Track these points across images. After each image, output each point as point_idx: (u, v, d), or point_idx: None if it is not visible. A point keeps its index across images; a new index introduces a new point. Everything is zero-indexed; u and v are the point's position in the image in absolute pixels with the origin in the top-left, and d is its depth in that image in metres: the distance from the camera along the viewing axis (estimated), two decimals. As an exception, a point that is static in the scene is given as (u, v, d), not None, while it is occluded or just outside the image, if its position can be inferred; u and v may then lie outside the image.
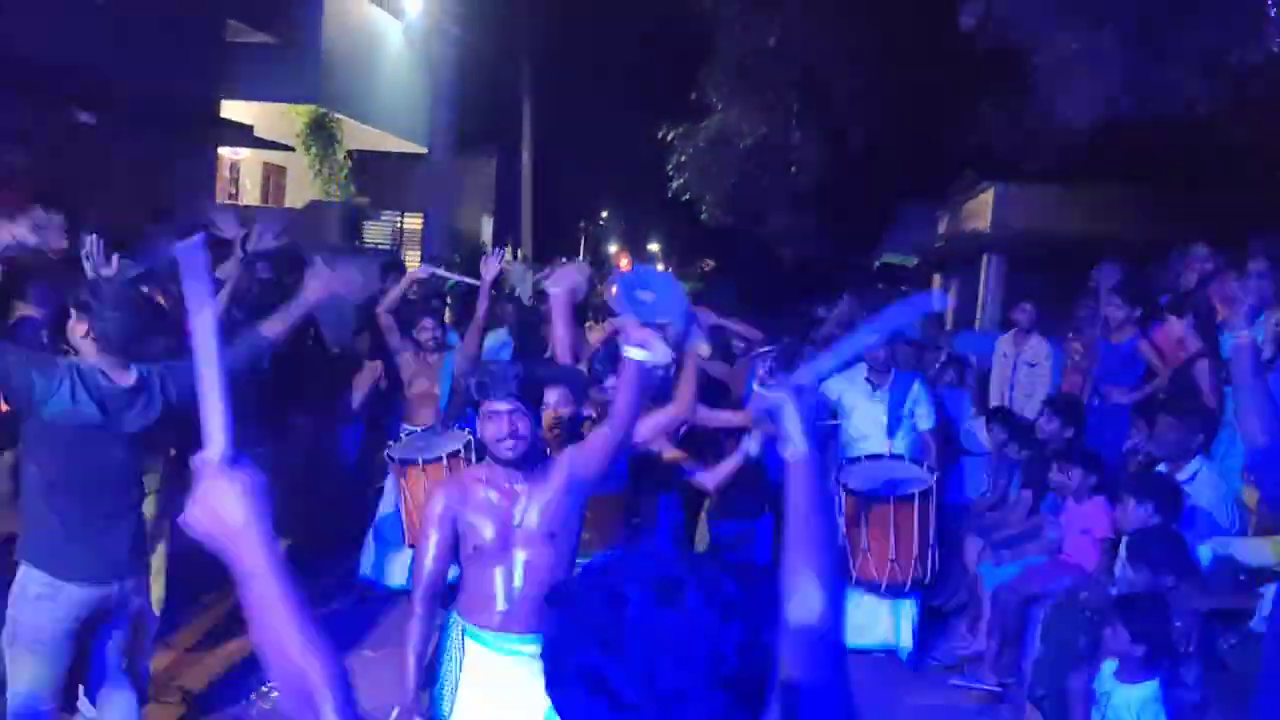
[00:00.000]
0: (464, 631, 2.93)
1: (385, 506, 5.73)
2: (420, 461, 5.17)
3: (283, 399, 5.61)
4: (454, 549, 2.93)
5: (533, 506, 2.88)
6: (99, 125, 8.88)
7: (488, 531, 2.87)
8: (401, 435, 5.76)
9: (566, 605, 1.08)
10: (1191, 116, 6.56)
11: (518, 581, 2.86)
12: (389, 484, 5.72)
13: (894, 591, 5.18)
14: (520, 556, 2.86)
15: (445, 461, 5.15)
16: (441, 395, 5.85)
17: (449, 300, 10.04)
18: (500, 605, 2.86)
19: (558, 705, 1.06)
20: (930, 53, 12.10)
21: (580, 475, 2.91)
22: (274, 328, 3.55)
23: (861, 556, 5.05)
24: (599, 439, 2.93)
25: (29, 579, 3.12)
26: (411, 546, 5.38)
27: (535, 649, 2.67)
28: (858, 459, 5.42)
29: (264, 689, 4.60)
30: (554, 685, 1.06)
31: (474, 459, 5.34)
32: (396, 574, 5.69)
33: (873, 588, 5.14)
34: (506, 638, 2.86)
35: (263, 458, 5.19)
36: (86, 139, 8.72)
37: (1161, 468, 4.80)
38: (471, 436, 5.46)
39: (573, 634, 1.05)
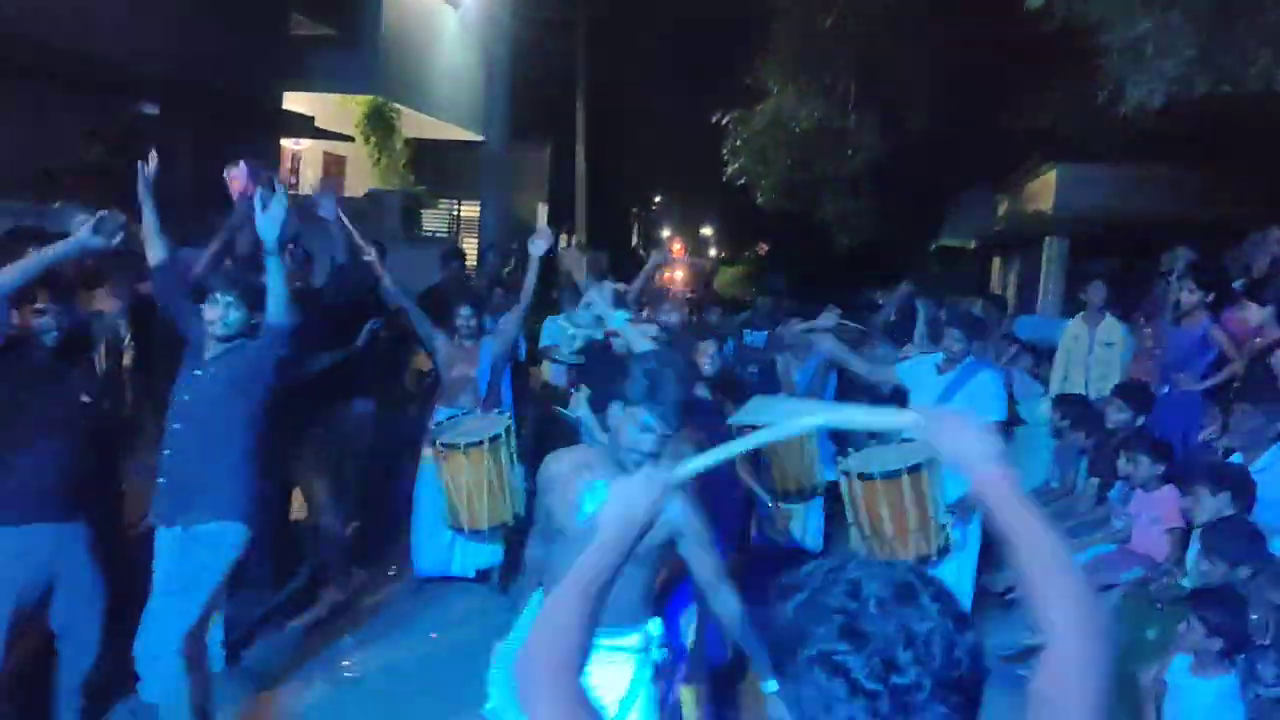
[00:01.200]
0: None
1: (421, 491, 5.76)
2: (462, 446, 5.23)
3: (344, 382, 5.70)
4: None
5: None
6: (164, 118, 9.07)
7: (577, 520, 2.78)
8: (440, 419, 5.82)
9: (806, 595, 1.13)
10: (1266, 95, 6.34)
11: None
12: (426, 472, 5.75)
13: (922, 564, 5.08)
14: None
15: (486, 445, 5.21)
16: (480, 380, 5.90)
17: (507, 287, 10.10)
18: None
19: (787, 692, 1.12)
20: (993, 33, 11.84)
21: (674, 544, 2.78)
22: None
23: (889, 543, 4.95)
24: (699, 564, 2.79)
25: None
26: (456, 530, 5.46)
27: (618, 640, 2.75)
28: (859, 447, 5.32)
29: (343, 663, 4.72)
30: (785, 671, 1.12)
31: (512, 444, 5.40)
32: (439, 563, 5.73)
33: None
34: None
35: (318, 438, 5.33)
36: (152, 132, 8.91)
37: (1237, 456, 4.68)
38: (510, 420, 5.51)
39: (813, 621, 1.10)
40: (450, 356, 5.91)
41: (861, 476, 4.94)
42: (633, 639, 2.81)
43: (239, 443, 3.62)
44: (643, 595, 2.82)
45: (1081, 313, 7.04)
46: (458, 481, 5.29)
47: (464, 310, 5.96)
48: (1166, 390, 5.86)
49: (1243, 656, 3.42)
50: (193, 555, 3.56)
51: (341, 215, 5.74)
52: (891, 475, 4.85)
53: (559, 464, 2.94)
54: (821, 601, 1.11)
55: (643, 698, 2.83)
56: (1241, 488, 4.17)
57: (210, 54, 10.25)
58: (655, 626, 2.90)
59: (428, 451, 5.66)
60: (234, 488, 3.60)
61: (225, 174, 4.77)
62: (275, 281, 3.69)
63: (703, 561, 2.75)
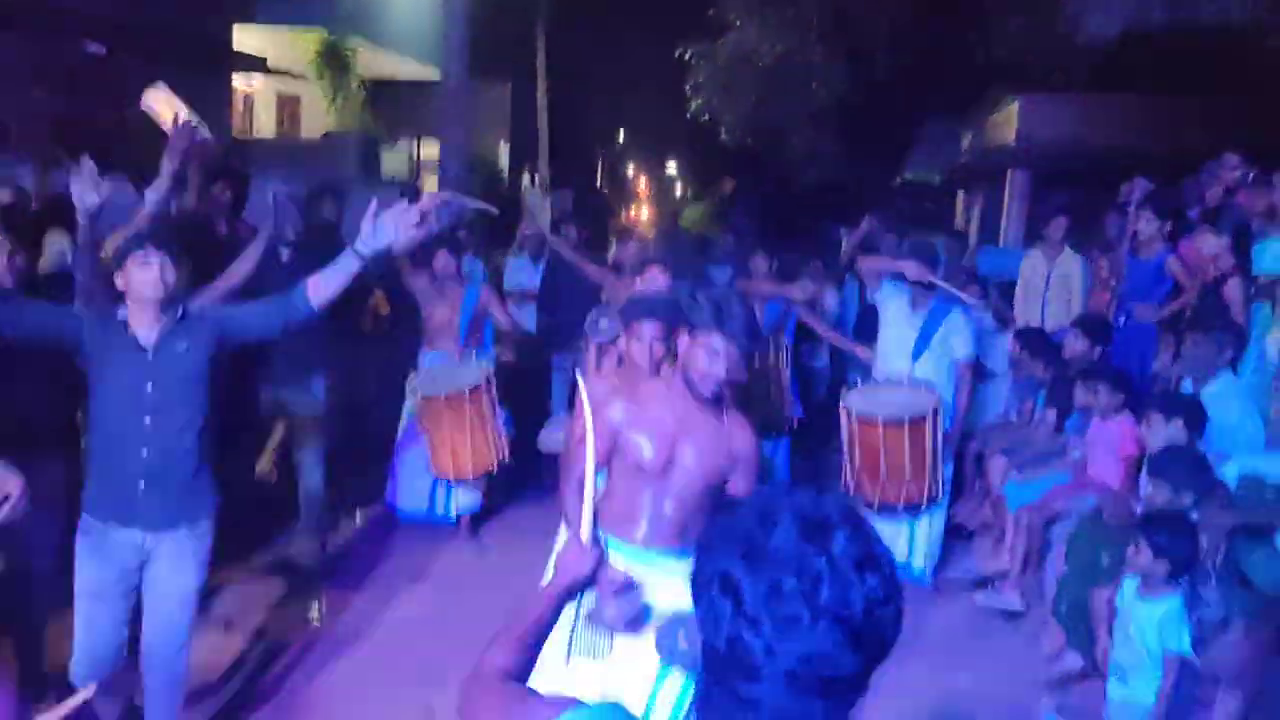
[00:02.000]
0: (606, 542, 2.82)
1: (405, 436, 5.79)
2: (444, 395, 5.22)
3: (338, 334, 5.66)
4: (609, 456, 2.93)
5: (699, 444, 2.86)
6: (110, 58, 8.80)
7: (649, 452, 2.85)
8: (421, 362, 5.81)
9: (725, 515, 1.19)
10: (1224, 24, 6.34)
11: (668, 508, 2.88)
12: (410, 416, 5.76)
13: (912, 511, 5.19)
14: (678, 483, 2.87)
15: (467, 395, 5.22)
16: (461, 324, 5.86)
17: (472, 230, 9.99)
18: (646, 523, 2.90)
19: (695, 599, 1.17)
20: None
21: (731, 466, 2.92)
22: (320, 291, 3.15)
23: (881, 485, 5.03)
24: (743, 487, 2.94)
25: None
26: (440, 477, 5.48)
27: (674, 563, 2.80)
28: (870, 383, 5.37)
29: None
30: (695, 581, 1.17)
31: (494, 391, 5.40)
32: (420, 501, 5.79)
33: (892, 511, 5.15)
34: (649, 552, 2.88)
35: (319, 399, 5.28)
36: (99, 72, 8.65)
37: (1187, 384, 4.77)
38: (490, 368, 5.51)
39: (720, 539, 1.15)
40: (431, 300, 5.86)
41: (862, 418, 4.99)
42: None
43: (209, 425, 3.19)
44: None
45: (1039, 245, 7.09)
46: (440, 430, 5.30)
47: (441, 253, 5.90)
48: (1123, 321, 5.94)
49: (1187, 579, 3.51)
50: (194, 554, 3.23)
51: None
52: (894, 422, 4.90)
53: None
54: (734, 523, 1.16)
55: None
56: (1193, 415, 4.25)
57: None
58: None
59: (411, 396, 5.66)
60: (210, 471, 3.25)
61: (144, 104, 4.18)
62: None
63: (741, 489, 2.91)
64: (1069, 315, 6.59)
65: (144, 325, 3.06)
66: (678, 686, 2.80)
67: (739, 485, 2.93)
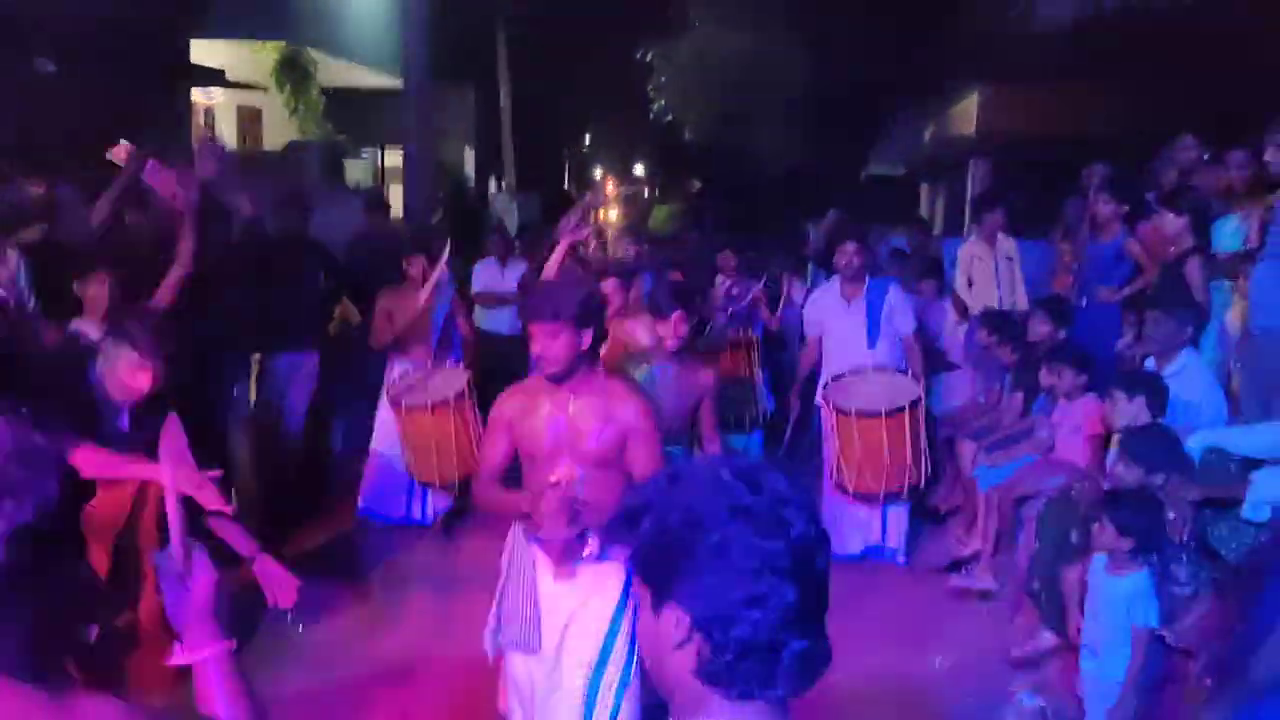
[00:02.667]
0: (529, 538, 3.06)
1: (381, 441, 5.77)
2: (429, 405, 5.22)
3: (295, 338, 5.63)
4: (509, 455, 3.10)
5: (578, 424, 2.96)
6: (61, 74, 8.69)
7: (534, 440, 3.00)
8: (394, 374, 5.77)
9: (688, 498, 1.19)
10: (1174, 6, 6.44)
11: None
12: (385, 420, 5.74)
13: (891, 499, 5.25)
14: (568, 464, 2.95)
15: (452, 403, 5.22)
16: (433, 331, 5.85)
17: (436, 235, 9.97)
18: None
19: (688, 589, 1.16)
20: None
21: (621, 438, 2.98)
22: None
23: (856, 472, 5.08)
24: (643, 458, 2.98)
25: None
26: (424, 485, 5.49)
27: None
28: (841, 375, 5.42)
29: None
30: (680, 568, 1.17)
31: (474, 397, 5.39)
32: (394, 507, 5.77)
33: (870, 499, 5.19)
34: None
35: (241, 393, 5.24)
36: (50, 89, 8.54)
37: (1150, 362, 4.83)
38: (469, 374, 5.50)
39: (706, 515, 1.16)
40: (396, 308, 5.83)
41: (839, 411, 5.02)
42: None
43: None
44: None
45: (975, 234, 7.18)
46: (424, 438, 5.29)
47: (415, 258, 5.87)
48: (1085, 303, 6.00)
49: (1156, 557, 3.56)
50: None
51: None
52: (870, 415, 4.94)
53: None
54: (693, 496, 1.17)
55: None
56: (1155, 392, 4.30)
57: (109, 3, 9.81)
58: None
59: (385, 406, 5.63)
60: None
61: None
62: None
63: (641, 461, 2.95)
64: (1014, 297, 6.74)
65: None
66: (616, 677, 2.95)
67: (637, 455, 2.96)
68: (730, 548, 1.13)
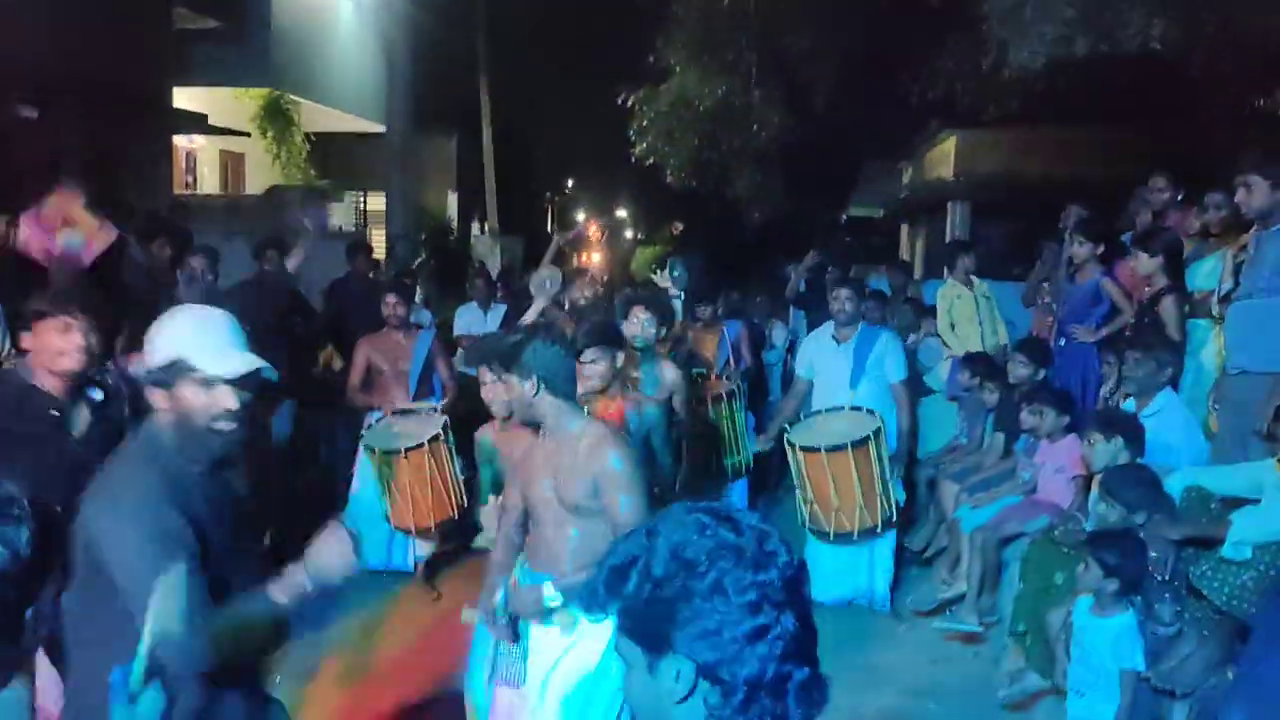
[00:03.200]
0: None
1: (360, 488, 5.71)
2: (403, 450, 5.17)
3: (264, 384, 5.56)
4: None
5: (547, 472, 3.01)
6: (44, 119, 8.69)
7: (514, 489, 3.18)
8: (371, 420, 5.73)
9: (669, 545, 1.19)
10: (1143, 54, 6.56)
11: (543, 535, 3.06)
12: (364, 468, 5.69)
13: (867, 535, 5.18)
14: (541, 511, 3.04)
15: (427, 447, 5.16)
16: (412, 374, 5.81)
17: (418, 279, 9.97)
18: (532, 548, 3.12)
19: (690, 635, 1.16)
20: (884, 5, 12.04)
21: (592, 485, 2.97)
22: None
23: (834, 513, 5.05)
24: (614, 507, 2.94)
25: None
26: (400, 530, 5.42)
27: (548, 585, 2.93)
28: (812, 414, 5.45)
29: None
30: (677, 618, 1.16)
31: (451, 441, 5.35)
32: (373, 554, 5.69)
33: (847, 539, 5.15)
34: (535, 574, 3.05)
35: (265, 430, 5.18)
36: (32, 134, 8.53)
37: (1129, 402, 4.85)
38: (445, 418, 5.46)
39: (694, 560, 1.17)
40: (375, 351, 5.80)
41: (805, 449, 5.02)
42: None
43: None
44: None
45: (952, 277, 7.26)
46: (400, 483, 5.24)
47: (390, 298, 5.85)
48: (1063, 343, 6.04)
49: (1139, 597, 3.55)
50: None
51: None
52: (836, 449, 4.94)
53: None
54: (677, 545, 1.17)
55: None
56: (1132, 433, 4.32)
57: (90, 50, 9.83)
58: None
59: (364, 450, 5.58)
60: None
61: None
62: None
63: (615, 510, 2.89)
64: (996, 337, 6.83)
65: None
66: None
67: (610, 500, 2.91)
68: (727, 584, 1.13)
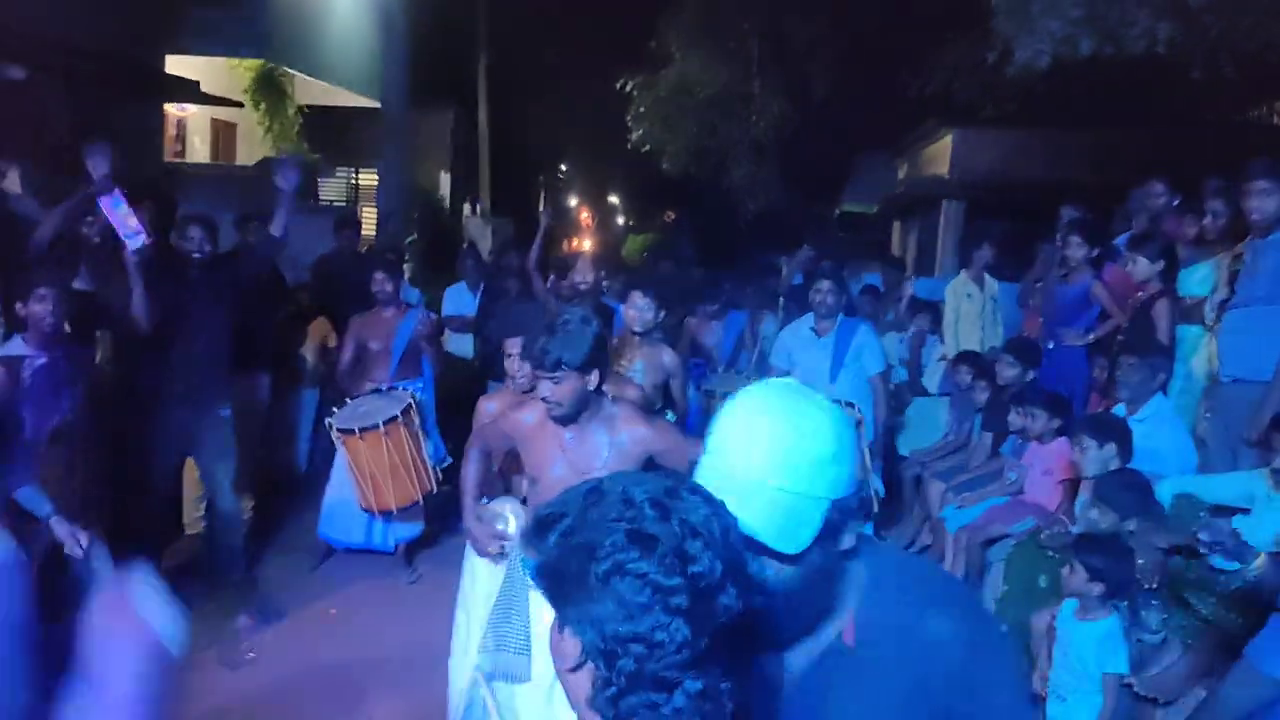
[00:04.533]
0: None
1: (338, 469, 5.64)
2: (358, 430, 5.09)
3: (245, 356, 5.49)
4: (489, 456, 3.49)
5: (580, 458, 3.04)
6: (32, 81, 8.55)
7: (539, 465, 3.14)
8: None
9: (573, 519, 1.13)
10: (1148, 55, 6.52)
11: None
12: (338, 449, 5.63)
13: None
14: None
15: (382, 428, 5.08)
16: (394, 353, 5.74)
17: (407, 256, 9.91)
18: None
19: (576, 615, 1.10)
20: (888, -2, 11.99)
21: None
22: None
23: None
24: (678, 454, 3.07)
25: None
26: (365, 511, 5.33)
27: None
28: None
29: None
30: (571, 597, 1.11)
31: (414, 422, 5.29)
32: (354, 533, 5.65)
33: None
34: None
35: (227, 420, 5.12)
36: (19, 96, 8.39)
37: (1120, 408, 4.83)
38: (413, 399, 5.38)
39: (596, 537, 1.10)
40: (364, 330, 5.73)
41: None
42: None
43: None
44: None
45: (966, 271, 7.21)
46: (359, 464, 5.17)
47: (378, 275, 5.78)
48: (1051, 345, 6.02)
49: (1125, 604, 3.53)
50: None
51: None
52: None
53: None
54: (597, 517, 1.10)
55: None
56: (1123, 439, 4.30)
57: (81, 13, 9.69)
58: None
59: (329, 429, 5.52)
60: None
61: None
62: None
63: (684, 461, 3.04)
64: (998, 338, 6.78)
65: None
66: None
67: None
68: (620, 580, 1.06)
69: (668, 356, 4.83)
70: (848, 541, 1.35)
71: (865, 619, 1.39)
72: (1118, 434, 4.32)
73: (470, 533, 3.44)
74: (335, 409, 5.40)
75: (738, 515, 1.17)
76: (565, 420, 3.02)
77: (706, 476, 1.25)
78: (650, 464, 3.12)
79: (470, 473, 3.45)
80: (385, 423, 5.08)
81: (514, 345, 3.91)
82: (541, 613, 3.02)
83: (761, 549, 1.24)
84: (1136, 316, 5.30)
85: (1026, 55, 6.56)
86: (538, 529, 1.14)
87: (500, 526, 3.39)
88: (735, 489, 1.22)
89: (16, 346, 3.83)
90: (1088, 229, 6.03)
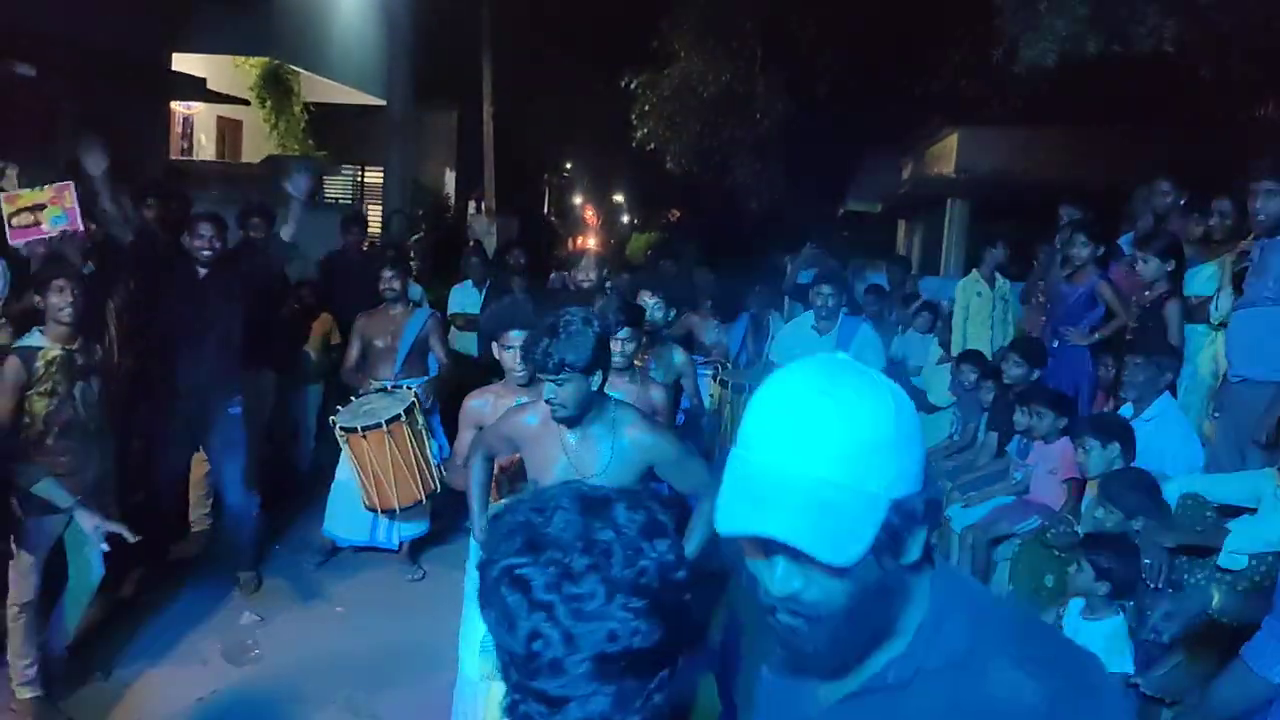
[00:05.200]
0: None
1: (342, 468, 5.64)
2: (360, 429, 5.08)
3: (251, 353, 5.50)
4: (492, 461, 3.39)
5: (583, 461, 3.02)
6: (40, 79, 8.58)
7: (541, 468, 3.09)
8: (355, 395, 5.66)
9: (502, 516, 1.11)
10: (1155, 55, 6.50)
11: None
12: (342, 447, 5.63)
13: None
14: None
15: (385, 427, 5.07)
16: (401, 351, 5.73)
17: (413, 254, 9.90)
18: None
19: (485, 616, 1.08)
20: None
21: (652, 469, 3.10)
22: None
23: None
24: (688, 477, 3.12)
25: None
26: (369, 509, 5.33)
27: None
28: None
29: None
30: (483, 590, 1.08)
31: (418, 421, 5.28)
32: (359, 531, 5.65)
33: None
34: None
35: (238, 417, 5.13)
36: (28, 93, 8.42)
37: (1126, 408, 4.82)
38: (417, 397, 5.38)
39: (501, 539, 1.07)
40: (370, 327, 5.73)
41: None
42: None
43: None
44: None
45: (977, 270, 7.18)
46: (363, 463, 5.16)
47: (385, 273, 5.77)
48: (1055, 345, 6.00)
49: (1131, 604, 3.52)
50: None
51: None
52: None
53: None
54: (510, 519, 1.09)
55: None
56: (1127, 438, 4.29)
57: (89, 11, 9.71)
58: None
59: (333, 428, 5.52)
60: None
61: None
62: None
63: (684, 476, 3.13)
64: (1008, 338, 6.77)
65: None
66: None
67: (668, 476, 3.11)
68: (506, 586, 1.04)
69: (678, 355, 4.86)
70: (912, 553, 1.11)
71: (917, 653, 1.12)
72: (1120, 434, 4.31)
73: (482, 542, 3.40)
74: (339, 407, 5.40)
75: (773, 521, 1.00)
76: (569, 422, 2.99)
77: (735, 473, 1.08)
78: (652, 474, 3.10)
79: (475, 480, 3.36)
80: (388, 422, 5.07)
81: (510, 338, 3.77)
82: None
83: (807, 560, 1.02)
84: (1145, 317, 5.28)
85: (1033, 53, 6.55)
86: (501, 531, 1.12)
87: None
88: (769, 484, 1.03)
89: (34, 338, 3.84)
90: (1091, 229, 6.01)
